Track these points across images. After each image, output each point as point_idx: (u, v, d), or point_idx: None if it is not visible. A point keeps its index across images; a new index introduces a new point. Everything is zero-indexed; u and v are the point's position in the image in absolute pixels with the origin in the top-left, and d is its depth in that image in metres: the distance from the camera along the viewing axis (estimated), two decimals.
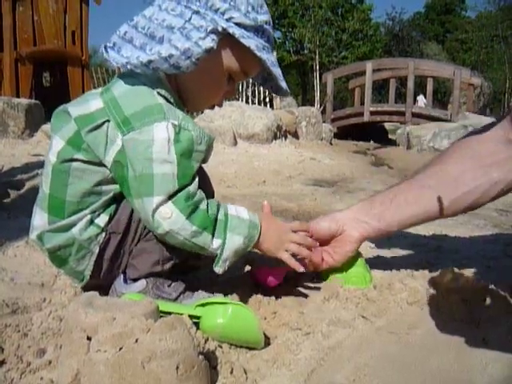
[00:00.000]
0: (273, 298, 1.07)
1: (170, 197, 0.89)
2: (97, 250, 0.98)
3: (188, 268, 1.10)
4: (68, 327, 0.74)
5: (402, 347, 0.88)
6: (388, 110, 10.36)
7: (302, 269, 1.02)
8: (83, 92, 6.23)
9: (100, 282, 1.03)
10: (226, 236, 0.93)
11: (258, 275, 1.14)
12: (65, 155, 0.95)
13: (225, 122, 5.37)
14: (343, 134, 9.81)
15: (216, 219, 0.93)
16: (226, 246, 0.93)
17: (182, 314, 0.83)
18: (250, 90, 9.65)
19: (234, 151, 4.91)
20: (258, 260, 1.21)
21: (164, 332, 0.69)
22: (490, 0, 30.14)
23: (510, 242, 1.65)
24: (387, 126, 11.71)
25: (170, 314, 0.84)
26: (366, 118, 10.15)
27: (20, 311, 0.98)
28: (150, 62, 0.89)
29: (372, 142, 9.31)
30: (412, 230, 1.58)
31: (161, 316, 0.77)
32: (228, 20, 0.92)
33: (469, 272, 1.09)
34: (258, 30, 0.95)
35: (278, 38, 25.68)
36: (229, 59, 0.97)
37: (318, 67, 20.06)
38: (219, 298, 1.00)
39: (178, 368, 0.67)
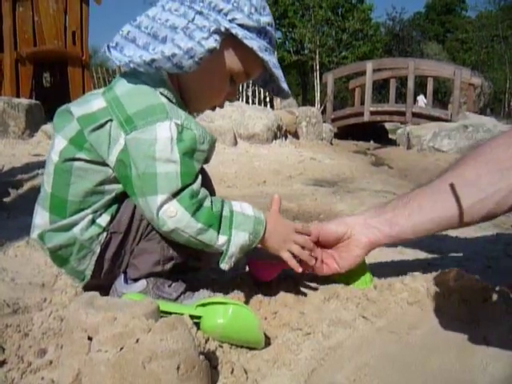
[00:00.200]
0: (273, 298, 1.07)
1: (174, 195, 0.90)
2: (98, 250, 0.98)
3: (188, 268, 1.11)
4: (69, 327, 0.74)
5: (403, 347, 0.88)
6: (388, 110, 10.36)
7: (300, 269, 1.02)
8: (83, 92, 6.22)
9: (101, 282, 1.03)
10: (231, 232, 0.93)
11: (253, 267, 1.15)
12: (67, 154, 0.95)
13: (225, 122, 5.37)
14: (343, 133, 9.81)
15: (221, 216, 0.93)
16: (232, 242, 0.93)
17: (182, 314, 0.83)
18: (250, 90, 9.65)
19: (235, 151, 4.91)
20: (258, 253, 1.21)
21: (165, 332, 0.69)
22: (490, 0, 30.12)
23: (511, 241, 1.65)
24: (387, 125, 11.71)
25: (170, 314, 0.84)
26: (367, 117, 10.15)
27: (21, 311, 0.98)
28: (153, 60, 0.90)
29: (372, 141, 9.31)
30: None
31: (161, 316, 0.77)
32: (231, 21, 0.92)
33: (469, 272, 1.08)
34: (260, 31, 0.95)
35: (279, 38, 25.70)
36: (231, 60, 0.98)
37: (318, 67, 20.08)
38: (220, 298, 1.00)
39: (178, 368, 0.67)
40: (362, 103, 10.58)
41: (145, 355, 0.66)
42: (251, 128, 5.43)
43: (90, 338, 0.71)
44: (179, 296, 1.04)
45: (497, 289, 1.00)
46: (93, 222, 0.98)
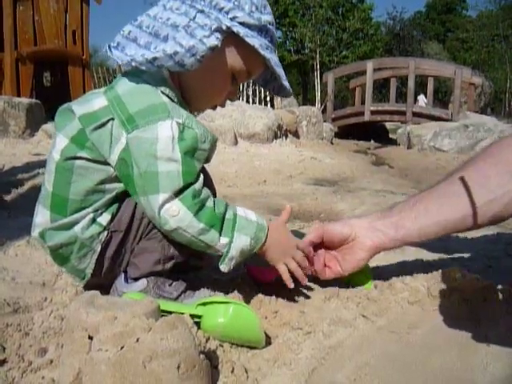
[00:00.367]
0: (274, 297, 1.07)
1: (176, 194, 0.90)
2: (98, 249, 0.98)
3: (189, 267, 1.11)
4: (69, 326, 0.74)
5: (403, 346, 0.88)
6: (389, 110, 10.34)
7: (292, 285, 1.03)
8: (84, 92, 6.23)
9: (101, 281, 1.03)
10: (233, 235, 0.93)
11: (251, 272, 1.17)
12: (68, 153, 0.95)
13: (225, 122, 5.37)
14: (344, 133, 9.81)
15: (223, 218, 0.94)
16: (233, 244, 0.93)
17: (183, 314, 0.83)
18: (250, 89, 9.65)
19: (235, 151, 4.91)
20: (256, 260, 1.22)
21: (165, 331, 0.69)
22: None
23: (511, 241, 1.65)
24: (388, 125, 11.70)
25: (171, 313, 0.84)
26: (367, 117, 10.14)
27: (21, 310, 0.98)
28: (154, 59, 0.90)
29: (373, 141, 9.31)
30: None
31: (162, 315, 0.77)
32: (232, 19, 0.93)
33: (470, 271, 1.08)
34: (261, 29, 0.96)
35: (279, 38, 25.67)
36: (233, 58, 0.98)
37: (318, 66, 20.07)
38: (220, 297, 1.00)
39: (179, 367, 0.67)
40: (363, 103, 10.57)
41: (145, 354, 0.66)
42: (252, 127, 5.43)
43: (90, 337, 0.71)
44: (180, 295, 1.04)
45: (498, 288, 1.00)
46: (93, 220, 0.98)
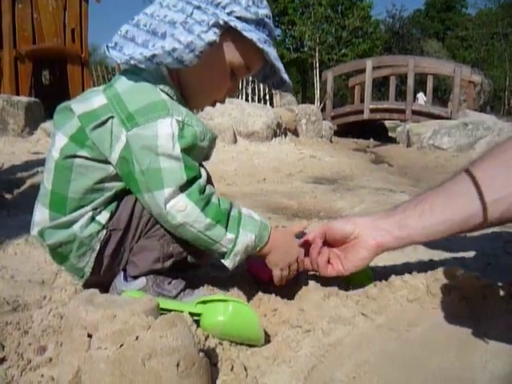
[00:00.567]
0: (273, 295, 1.07)
1: (181, 189, 0.90)
2: (98, 247, 0.98)
3: (188, 266, 1.11)
4: (68, 325, 0.74)
5: (403, 344, 0.88)
6: (388, 108, 10.34)
7: (279, 285, 1.06)
8: (83, 90, 6.22)
9: (100, 279, 1.03)
10: (239, 230, 0.94)
11: (252, 268, 1.16)
12: (68, 151, 0.95)
13: (224, 120, 5.36)
14: (343, 131, 9.81)
15: (229, 214, 0.94)
16: (239, 240, 0.94)
17: (182, 312, 0.83)
18: (250, 87, 9.64)
19: (234, 149, 4.91)
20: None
21: (164, 329, 0.69)
22: None
23: (510, 239, 1.66)
24: (387, 123, 11.69)
25: (170, 311, 0.84)
26: (366, 115, 10.13)
27: (20, 309, 0.98)
28: (153, 56, 0.90)
29: (372, 139, 9.30)
30: None
31: (161, 313, 0.77)
32: (229, 14, 0.92)
33: (469, 269, 1.08)
34: (259, 23, 0.95)
35: (278, 36, 25.68)
36: (231, 54, 0.98)
37: (317, 65, 20.06)
38: (219, 295, 1.00)
39: (178, 365, 0.67)
40: (362, 101, 10.57)
41: (144, 352, 0.66)
42: (251, 126, 5.42)
43: (89, 336, 0.70)
44: (179, 293, 1.04)
45: (497, 286, 1.00)
46: (92, 219, 0.98)
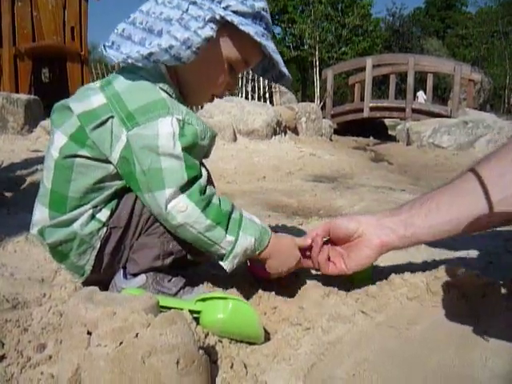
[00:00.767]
0: (273, 293, 1.07)
1: (182, 189, 0.90)
2: (98, 245, 0.98)
3: (188, 263, 1.10)
4: (68, 322, 0.74)
5: (402, 342, 0.88)
6: (388, 106, 10.32)
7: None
8: None
9: (100, 277, 1.03)
10: (239, 233, 0.94)
11: (253, 265, 1.16)
12: (68, 151, 0.94)
13: (224, 118, 5.35)
14: (343, 129, 9.80)
15: (230, 216, 0.94)
16: (238, 242, 0.94)
17: (182, 309, 0.83)
18: (249, 85, 9.63)
19: (234, 147, 4.90)
20: None
21: (164, 327, 0.69)
22: None
23: (511, 237, 1.65)
24: (387, 121, 11.68)
25: (170, 308, 0.84)
26: (366, 113, 10.12)
27: (20, 306, 0.98)
28: (150, 54, 0.89)
29: (372, 137, 9.30)
30: None
31: (161, 311, 0.77)
32: (225, 8, 0.92)
33: (469, 267, 1.08)
34: (255, 16, 0.95)
35: (278, 34, 25.67)
36: (229, 48, 0.97)
37: (317, 63, 20.01)
38: (219, 293, 1.00)
39: (178, 363, 0.67)
40: (362, 99, 10.55)
41: (144, 350, 0.66)
42: (251, 124, 5.42)
43: (89, 333, 0.70)
44: (179, 291, 1.04)
45: (497, 284, 1.00)
46: (93, 217, 0.97)
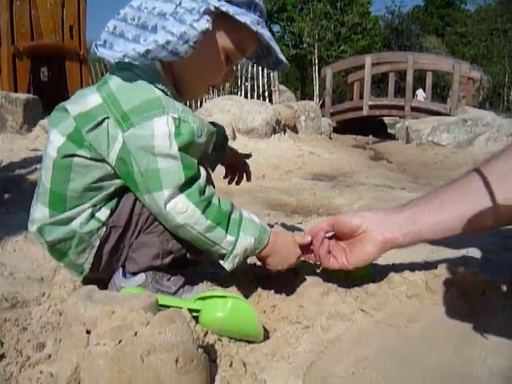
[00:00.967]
0: (272, 291, 1.07)
1: (180, 189, 0.89)
2: (97, 244, 0.98)
3: (188, 262, 1.10)
4: (67, 321, 0.74)
5: (402, 340, 0.88)
6: (387, 104, 10.33)
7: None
8: (82, 87, 6.20)
9: (99, 276, 1.03)
10: (239, 233, 0.94)
11: None
12: (66, 151, 0.94)
13: (223, 117, 5.35)
14: (342, 128, 9.79)
15: (230, 216, 0.94)
16: (238, 243, 0.94)
17: (181, 308, 0.83)
18: (249, 84, 9.62)
19: (233, 145, 4.88)
20: None
21: (163, 325, 0.69)
22: None
23: (510, 235, 1.65)
24: (386, 120, 11.69)
25: (169, 307, 0.84)
26: (365, 112, 10.12)
27: (19, 305, 0.98)
28: (147, 51, 0.88)
29: (371, 136, 9.30)
30: None
31: (160, 310, 0.77)
32: None
33: (468, 265, 1.08)
34: (249, 5, 0.94)
35: (277, 32, 25.63)
36: (225, 39, 0.96)
37: (316, 61, 19.98)
38: (219, 291, 1.00)
39: (177, 361, 0.67)
40: (361, 97, 10.55)
41: (143, 348, 0.66)
42: (250, 122, 5.41)
43: (88, 332, 0.70)
44: (178, 290, 1.04)
45: (496, 282, 1.00)
46: (92, 216, 0.97)
